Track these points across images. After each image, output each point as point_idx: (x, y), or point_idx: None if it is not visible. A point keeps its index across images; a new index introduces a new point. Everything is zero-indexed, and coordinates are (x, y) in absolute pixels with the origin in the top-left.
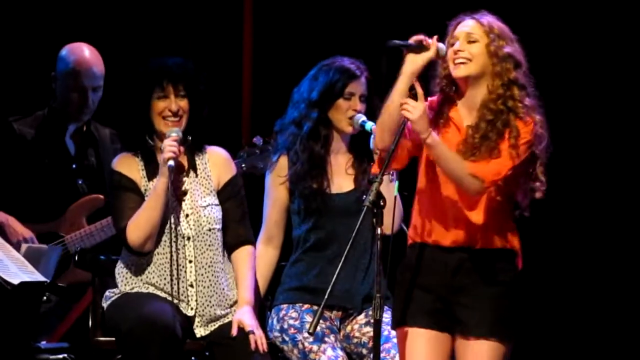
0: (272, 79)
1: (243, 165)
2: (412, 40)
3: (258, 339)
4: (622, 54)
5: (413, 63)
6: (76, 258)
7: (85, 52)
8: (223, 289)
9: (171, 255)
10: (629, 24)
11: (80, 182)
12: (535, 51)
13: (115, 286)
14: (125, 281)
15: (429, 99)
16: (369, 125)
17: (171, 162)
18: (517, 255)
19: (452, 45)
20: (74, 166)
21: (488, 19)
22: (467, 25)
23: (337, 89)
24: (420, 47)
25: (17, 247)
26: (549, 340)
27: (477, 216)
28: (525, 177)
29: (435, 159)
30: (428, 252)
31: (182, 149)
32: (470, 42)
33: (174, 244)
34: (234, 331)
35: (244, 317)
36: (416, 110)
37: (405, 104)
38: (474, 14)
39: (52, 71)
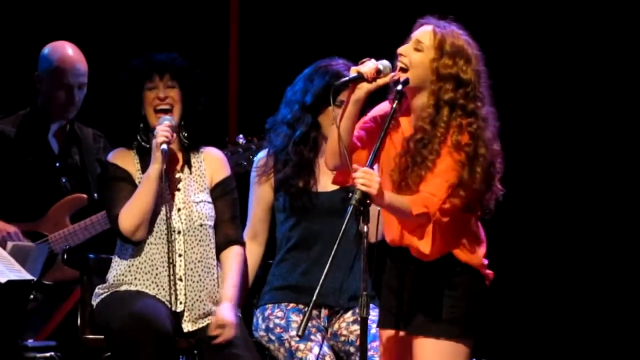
0: (259, 78)
1: None
2: (355, 70)
3: (224, 334)
4: (614, 54)
5: (359, 90)
6: (65, 257)
7: (68, 50)
8: (214, 285)
9: (164, 248)
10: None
11: (64, 180)
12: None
13: (104, 282)
14: (116, 272)
15: (382, 104)
16: None
17: (164, 146)
18: (470, 265)
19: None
20: (57, 164)
21: (445, 31)
22: (422, 31)
23: (328, 96)
24: (362, 78)
25: (2, 245)
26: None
27: (425, 246)
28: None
29: (386, 209)
30: (386, 252)
31: (174, 135)
32: (416, 49)
33: (165, 237)
34: (212, 329)
35: (222, 311)
36: (374, 182)
37: (361, 178)
38: (440, 19)
39: (35, 71)
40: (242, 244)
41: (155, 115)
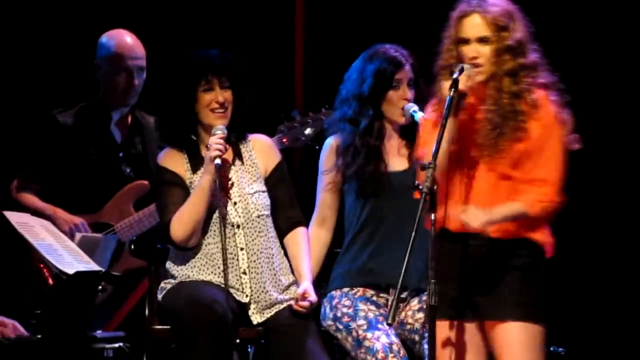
0: (324, 65)
1: (285, 139)
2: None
3: (308, 307)
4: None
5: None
6: (132, 247)
7: (125, 36)
8: (276, 274)
9: (222, 244)
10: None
11: (127, 170)
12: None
13: (169, 276)
14: (178, 272)
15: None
16: (418, 115)
17: (218, 161)
18: (535, 242)
19: (462, 41)
20: (120, 154)
21: (490, 7)
22: (475, 24)
23: (385, 80)
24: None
25: (69, 236)
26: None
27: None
28: None
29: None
30: (443, 239)
31: (227, 146)
32: (482, 43)
33: (223, 233)
34: (300, 298)
35: (306, 287)
36: (477, 218)
37: (466, 214)
38: (475, 5)
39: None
40: (306, 224)
41: (212, 114)
